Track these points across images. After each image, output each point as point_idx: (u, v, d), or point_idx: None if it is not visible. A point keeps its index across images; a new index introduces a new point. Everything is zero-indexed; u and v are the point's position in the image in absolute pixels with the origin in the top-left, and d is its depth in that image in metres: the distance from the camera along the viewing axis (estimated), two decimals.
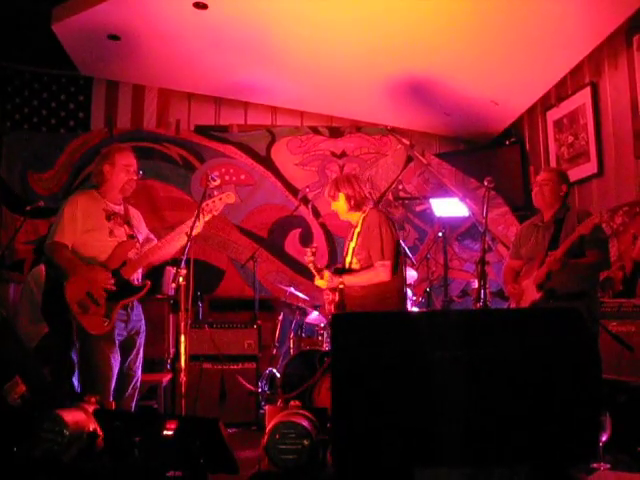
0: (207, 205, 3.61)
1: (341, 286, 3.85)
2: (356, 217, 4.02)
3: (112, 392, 3.42)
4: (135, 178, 3.72)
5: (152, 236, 3.88)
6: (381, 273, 3.79)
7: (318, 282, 3.98)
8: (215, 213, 3.65)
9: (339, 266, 4.12)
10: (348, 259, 4.02)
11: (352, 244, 4.01)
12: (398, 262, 3.88)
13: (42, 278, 4.60)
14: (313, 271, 3.96)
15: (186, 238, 3.47)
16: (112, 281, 3.42)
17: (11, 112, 6.69)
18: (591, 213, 3.91)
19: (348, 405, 2.23)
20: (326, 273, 3.92)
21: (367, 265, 3.86)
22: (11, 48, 6.19)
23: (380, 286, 3.81)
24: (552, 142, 5.98)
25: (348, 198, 3.98)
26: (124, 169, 3.66)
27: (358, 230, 3.97)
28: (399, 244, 3.94)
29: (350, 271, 3.95)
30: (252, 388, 4.91)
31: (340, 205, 4.02)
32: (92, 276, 3.40)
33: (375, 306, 3.77)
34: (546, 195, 3.90)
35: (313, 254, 3.95)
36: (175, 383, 4.88)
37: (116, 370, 3.45)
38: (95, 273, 3.41)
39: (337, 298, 3.92)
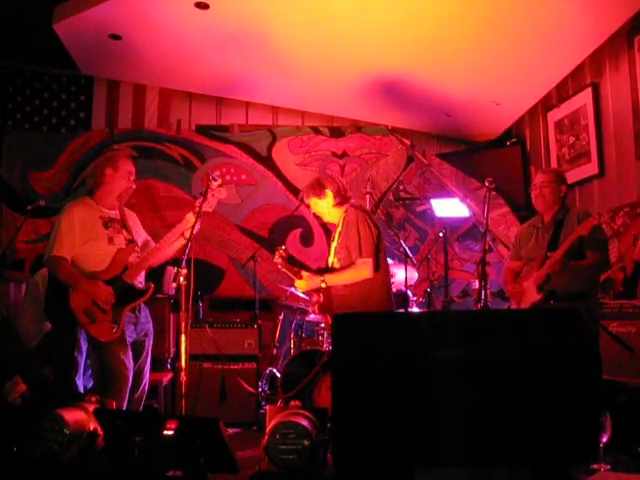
0: (200, 203, 3.63)
1: (323, 285, 3.80)
2: (338, 216, 3.98)
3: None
4: (133, 187, 3.76)
5: (149, 238, 3.89)
6: (362, 270, 3.74)
7: (297, 284, 3.92)
8: (209, 210, 3.64)
9: (322, 267, 4.09)
10: (330, 259, 4.00)
11: (334, 244, 3.99)
12: (379, 259, 3.83)
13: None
14: (289, 274, 3.90)
15: (184, 238, 3.50)
16: (113, 298, 3.43)
17: (12, 111, 6.70)
18: (591, 213, 3.91)
19: (348, 405, 2.23)
20: (304, 273, 3.87)
21: (348, 264, 3.82)
22: (12, 47, 6.19)
23: (363, 284, 3.76)
24: (553, 143, 5.98)
25: (335, 193, 3.94)
26: (126, 176, 3.69)
27: (339, 230, 3.95)
28: (380, 241, 3.88)
29: (332, 270, 3.92)
30: (252, 390, 4.90)
31: (327, 202, 3.96)
32: (94, 290, 3.41)
33: (359, 304, 3.73)
34: (547, 197, 3.90)
35: (280, 256, 3.88)
36: (175, 383, 4.88)
37: (132, 372, 3.48)
38: (97, 288, 3.42)
39: (321, 299, 3.90)
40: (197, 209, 3.52)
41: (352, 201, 4.03)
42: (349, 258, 3.81)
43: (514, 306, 4.00)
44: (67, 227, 3.51)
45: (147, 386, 3.74)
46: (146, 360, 3.71)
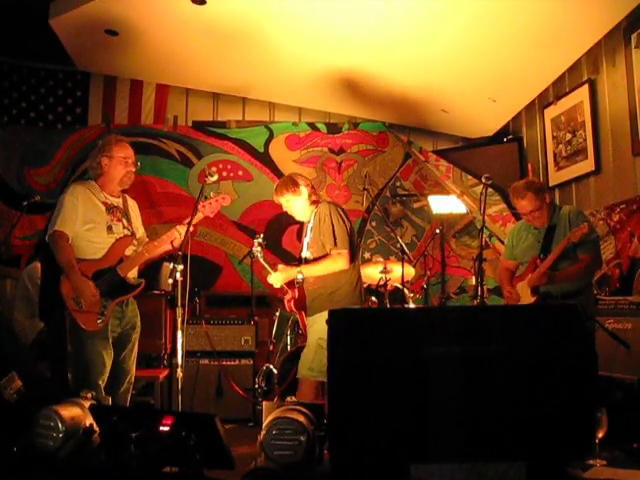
0: (203, 207, 3.65)
1: (299, 276, 3.79)
2: (309, 213, 3.98)
3: (105, 388, 3.43)
4: (133, 170, 3.71)
5: (145, 233, 3.88)
6: (338, 261, 3.75)
7: (273, 277, 3.88)
8: (210, 215, 3.68)
9: (295, 263, 4.05)
10: (303, 254, 3.98)
11: (306, 239, 3.97)
12: (354, 252, 3.85)
13: (37, 274, 4.60)
14: (265, 265, 3.88)
15: (172, 247, 3.54)
16: (97, 299, 3.42)
17: (8, 107, 6.68)
18: (582, 212, 3.96)
19: (345, 401, 2.24)
20: (280, 265, 3.87)
21: (322, 255, 3.83)
22: (8, 43, 6.17)
23: (332, 278, 3.78)
24: (550, 139, 5.98)
25: (311, 191, 3.97)
26: (122, 161, 3.65)
27: (311, 225, 3.93)
28: (353, 236, 3.88)
29: (306, 262, 3.91)
30: (243, 394, 4.87)
31: (302, 199, 3.96)
32: (82, 289, 3.39)
33: (327, 299, 3.74)
34: (539, 218, 3.94)
35: (260, 245, 3.86)
36: (172, 379, 4.89)
37: (108, 366, 3.46)
38: (86, 288, 3.40)
39: (296, 295, 3.88)
40: (197, 209, 3.59)
41: (326, 199, 4.06)
42: (322, 250, 3.81)
43: None
44: (71, 205, 3.49)
45: (133, 379, 3.70)
46: (131, 352, 3.66)
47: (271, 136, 6.90)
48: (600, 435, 2.44)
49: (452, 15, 4.96)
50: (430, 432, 2.15)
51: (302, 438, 2.49)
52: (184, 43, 5.83)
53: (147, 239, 3.79)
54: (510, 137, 6.74)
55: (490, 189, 5.56)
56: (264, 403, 2.84)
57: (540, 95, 6.21)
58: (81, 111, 6.83)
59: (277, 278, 3.88)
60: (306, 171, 6.78)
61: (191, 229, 3.56)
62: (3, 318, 4.63)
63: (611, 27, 5.00)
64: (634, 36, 4.74)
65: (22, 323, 4.57)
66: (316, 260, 3.85)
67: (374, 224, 6.86)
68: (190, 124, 6.95)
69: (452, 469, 2.14)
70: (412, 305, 5.24)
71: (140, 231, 3.81)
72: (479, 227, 4.76)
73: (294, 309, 3.96)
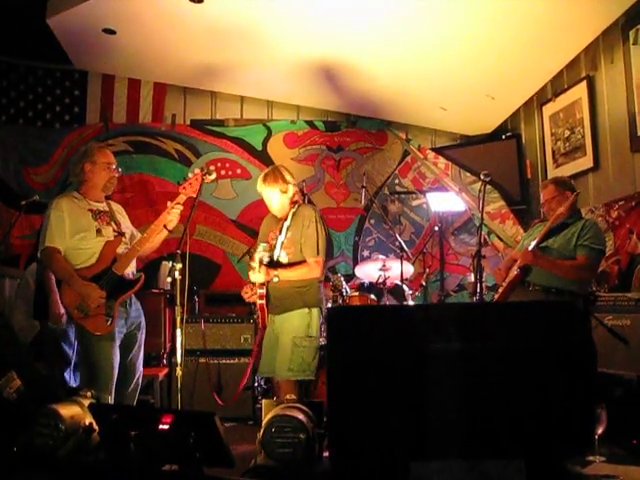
0: (184, 188, 3.64)
1: (275, 279, 3.76)
2: (287, 211, 3.93)
3: (114, 389, 3.44)
4: (116, 175, 3.73)
5: (135, 230, 3.89)
6: (315, 269, 3.77)
7: (254, 276, 3.81)
8: (193, 195, 3.64)
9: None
10: (276, 253, 3.88)
11: (281, 238, 3.88)
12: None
13: None
14: (256, 265, 3.78)
15: (166, 229, 3.62)
16: (104, 299, 3.42)
17: (6, 106, 6.68)
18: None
19: (344, 399, 2.24)
20: (262, 267, 3.80)
21: (296, 259, 3.80)
22: (6, 42, 6.16)
23: (302, 281, 3.78)
24: (548, 136, 5.98)
25: (297, 190, 3.95)
26: (105, 167, 3.66)
27: (288, 224, 3.87)
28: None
29: (282, 265, 3.86)
30: (222, 403, 4.86)
31: (286, 197, 3.91)
32: (87, 293, 3.40)
33: (298, 297, 3.75)
34: (554, 210, 4.00)
35: (266, 249, 3.80)
36: (171, 377, 4.89)
37: (117, 368, 3.47)
38: (90, 290, 3.40)
39: (265, 292, 3.85)
40: (182, 192, 3.62)
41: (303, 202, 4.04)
42: (299, 254, 3.80)
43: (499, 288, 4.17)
44: (57, 219, 3.49)
45: (141, 379, 3.73)
46: (138, 353, 3.68)
47: (269, 134, 6.90)
48: (599, 431, 2.44)
49: (451, 12, 4.95)
50: (430, 429, 2.15)
51: (302, 436, 2.49)
52: (182, 41, 5.82)
53: (139, 235, 3.79)
54: (509, 134, 6.74)
55: (489, 186, 5.56)
56: (263, 401, 2.84)
57: (538, 92, 6.20)
58: (79, 110, 6.82)
59: (259, 278, 3.80)
60: (305, 169, 6.80)
61: (181, 208, 3.62)
62: (2, 317, 4.63)
63: (609, 24, 5.00)
64: (632, 32, 4.73)
65: (21, 322, 4.56)
66: (293, 265, 3.81)
67: (373, 222, 6.87)
68: (188, 123, 6.94)
69: (452, 467, 2.14)
70: (411, 302, 5.24)
71: (129, 231, 3.81)
72: (478, 224, 4.77)
73: (265, 307, 3.92)
